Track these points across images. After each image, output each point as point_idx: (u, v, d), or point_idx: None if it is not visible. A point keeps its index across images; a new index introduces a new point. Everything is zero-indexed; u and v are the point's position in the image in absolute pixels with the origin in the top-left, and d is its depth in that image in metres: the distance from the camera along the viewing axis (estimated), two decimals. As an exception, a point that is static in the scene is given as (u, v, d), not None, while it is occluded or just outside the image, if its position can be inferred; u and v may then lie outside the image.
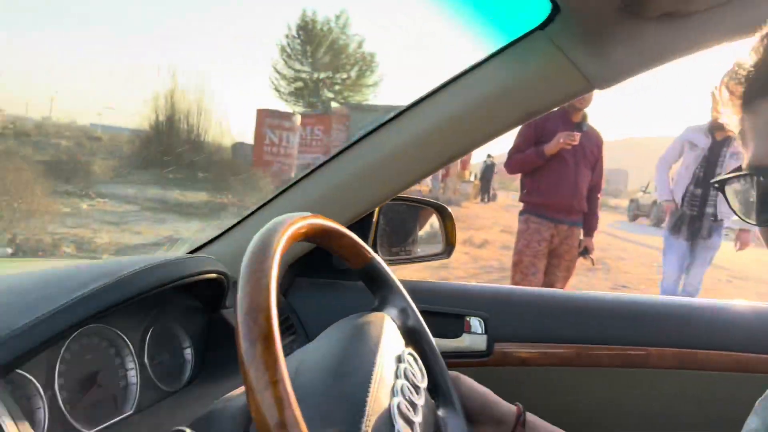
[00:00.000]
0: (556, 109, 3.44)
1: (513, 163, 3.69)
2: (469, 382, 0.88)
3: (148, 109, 15.05)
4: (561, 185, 3.59)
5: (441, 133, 0.97)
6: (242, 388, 0.74)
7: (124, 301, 0.73)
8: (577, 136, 3.46)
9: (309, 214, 0.71)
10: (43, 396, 0.71)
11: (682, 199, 4.34)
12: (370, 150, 1.02)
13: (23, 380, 0.69)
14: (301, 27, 31.15)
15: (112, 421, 0.81)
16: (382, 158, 1.01)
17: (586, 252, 3.75)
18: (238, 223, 1.12)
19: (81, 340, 0.79)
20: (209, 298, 0.98)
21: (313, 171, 1.06)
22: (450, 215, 1.42)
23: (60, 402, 0.73)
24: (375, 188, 1.02)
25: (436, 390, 0.86)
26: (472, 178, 31.86)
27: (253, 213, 1.11)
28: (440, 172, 24.47)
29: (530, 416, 0.87)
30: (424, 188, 23.84)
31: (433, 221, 1.50)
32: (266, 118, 15.92)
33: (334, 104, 24.13)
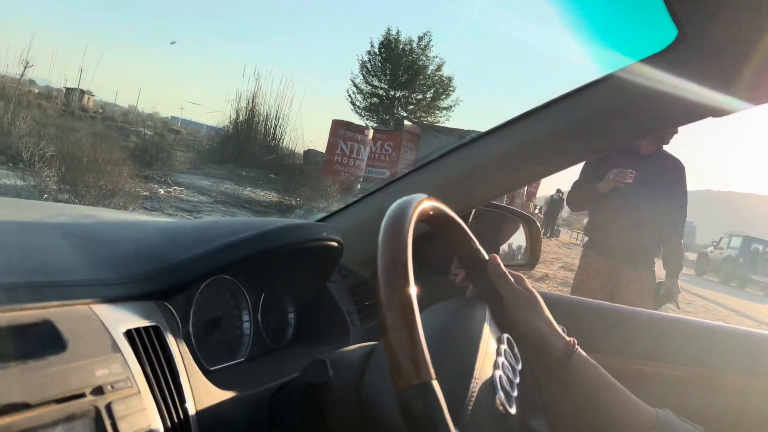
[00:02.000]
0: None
1: (573, 198, 3.43)
2: (524, 308, 0.90)
3: (230, 109, 15.64)
4: (619, 222, 3.25)
5: (553, 142, 1.03)
6: (353, 346, 0.82)
7: (267, 252, 0.82)
8: (631, 173, 3.09)
9: (435, 198, 0.78)
10: (181, 330, 0.80)
11: None
12: (482, 152, 1.08)
13: (169, 312, 0.78)
14: (383, 44, 31.70)
15: (227, 364, 0.89)
16: (493, 161, 1.07)
17: (669, 295, 3.27)
18: (356, 202, 1.21)
19: (212, 288, 0.89)
20: (319, 269, 1.06)
21: (429, 163, 1.13)
22: (538, 229, 1.47)
23: (192, 337, 0.83)
24: (482, 188, 1.08)
25: (521, 383, 0.91)
26: (536, 211, 31.31)
27: (368, 195, 1.20)
28: (504, 201, 24.15)
29: (578, 356, 0.89)
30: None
31: (517, 234, 1.55)
32: (340, 129, 16.24)
33: (406, 123, 24.36)
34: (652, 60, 0.96)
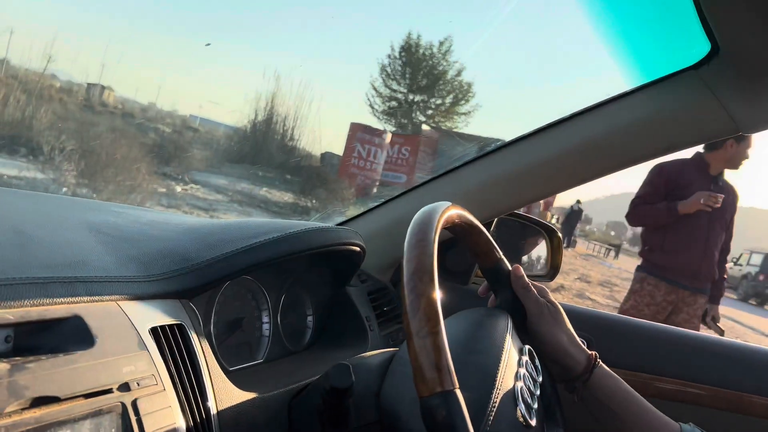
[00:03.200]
0: (692, 156, 3.08)
1: (638, 214, 3.22)
2: (548, 320, 0.89)
3: (249, 108, 15.77)
4: (691, 246, 3.12)
5: (578, 154, 1.02)
6: (373, 352, 0.82)
7: (293, 254, 0.82)
8: (721, 198, 3.00)
9: (461, 207, 0.78)
10: (202, 329, 0.81)
11: None
12: (505, 161, 1.08)
13: (193, 311, 0.79)
14: (404, 48, 31.75)
15: (247, 365, 0.90)
16: (517, 170, 1.07)
17: (714, 321, 3.29)
18: (376, 207, 1.21)
19: (233, 288, 0.89)
20: (339, 273, 1.06)
21: (451, 170, 1.13)
22: (559, 239, 1.46)
23: (212, 336, 0.83)
24: (506, 197, 1.08)
25: (542, 395, 0.90)
26: (553, 221, 31.20)
27: (389, 201, 1.20)
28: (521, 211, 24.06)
29: (600, 369, 0.88)
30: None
31: (538, 245, 1.54)
32: (358, 132, 16.28)
33: (424, 127, 24.36)
34: (684, 74, 0.95)
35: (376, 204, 1.27)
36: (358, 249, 0.98)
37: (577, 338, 0.91)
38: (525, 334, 0.90)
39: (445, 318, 0.86)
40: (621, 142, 1.00)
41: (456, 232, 0.84)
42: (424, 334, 0.56)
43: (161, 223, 0.88)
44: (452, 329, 0.80)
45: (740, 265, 23.71)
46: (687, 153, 3.24)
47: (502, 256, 0.92)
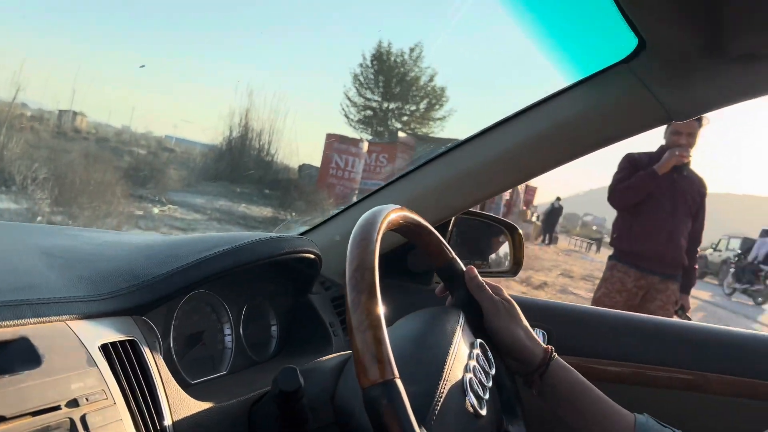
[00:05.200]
0: (658, 149, 3.21)
1: (620, 190, 3.34)
2: (503, 317, 0.92)
3: (223, 125, 15.72)
4: (655, 231, 3.27)
5: (523, 151, 1.06)
6: (330, 356, 0.84)
7: (242, 266, 0.84)
8: (691, 152, 3.19)
9: (407, 208, 0.81)
10: (161, 343, 0.82)
11: None
12: (456, 162, 1.11)
13: (149, 326, 0.80)
14: (375, 57, 31.89)
15: (210, 377, 0.91)
16: (467, 170, 1.10)
17: (682, 310, 3.39)
18: (338, 214, 1.23)
19: (192, 303, 0.91)
20: (300, 281, 1.08)
21: (404, 175, 1.16)
22: (520, 235, 1.49)
23: (172, 351, 0.85)
24: (458, 197, 1.11)
25: (501, 387, 0.93)
26: (534, 219, 31.44)
27: (348, 208, 1.22)
28: (501, 211, 24.37)
29: (556, 363, 0.90)
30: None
31: (500, 241, 1.57)
32: (335, 143, 16.30)
33: (401, 134, 24.45)
34: (617, 68, 0.99)
35: (337, 211, 1.30)
36: (312, 256, 1.00)
37: (533, 333, 0.94)
38: (482, 331, 0.93)
39: (401, 317, 0.89)
40: (563, 137, 1.04)
41: (405, 233, 0.86)
42: (365, 328, 0.59)
43: (115, 243, 0.89)
44: (405, 327, 0.83)
45: (719, 250, 24.08)
46: (653, 146, 3.38)
47: (455, 256, 0.95)
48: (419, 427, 0.60)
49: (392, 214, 0.74)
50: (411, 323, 0.83)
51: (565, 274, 13.74)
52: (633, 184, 3.28)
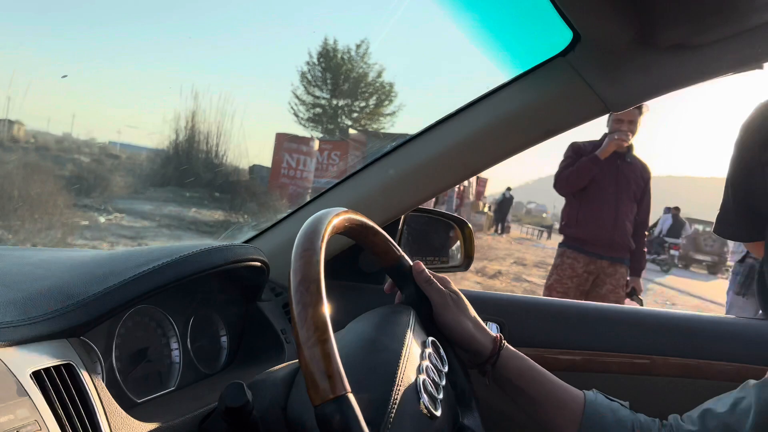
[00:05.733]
0: (601, 137, 3.36)
1: (564, 177, 3.45)
2: (452, 310, 0.92)
3: (169, 129, 15.34)
4: (600, 217, 3.38)
5: (468, 146, 1.06)
6: (280, 366, 0.82)
7: (183, 278, 0.81)
8: (630, 135, 3.30)
9: (350, 210, 0.79)
10: (103, 363, 0.79)
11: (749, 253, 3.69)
12: (401, 160, 1.11)
13: (88, 347, 0.77)
14: (322, 54, 31.69)
15: (157, 394, 0.88)
16: (412, 168, 1.09)
17: (634, 293, 3.50)
18: (285, 218, 1.21)
19: (134, 318, 0.87)
20: (248, 289, 1.06)
21: (351, 176, 1.15)
22: (470, 230, 1.49)
23: (116, 370, 0.81)
24: (406, 195, 1.11)
25: (456, 382, 0.93)
26: (486, 209, 31.90)
27: (297, 211, 1.20)
28: (454, 203, 24.66)
29: (506, 351, 0.92)
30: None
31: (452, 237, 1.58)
32: (285, 142, 16.14)
33: (352, 131, 24.41)
34: (555, 61, 1.01)
35: (285, 215, 1.27)
36: (258, 264, 0.98)
37: (482, 323, 0.95)
38: (432, 325, 0.93)
39: (352, 320, 0.88)
40: (506, 131, 1.05)
41: (352, 235, 0.85)
42: (313, 344, 0.57)
43: (48, 261, 0.85)
44: (355, 331, 0.82)
45: (687, 233, 24.97)
46: (597, 135, 3.47)
47: (402, 254, 0.94)
48: None
49: (335, 219, 0.73)
50: (361, 326, 0.82)
51: (519, 262, 14.00)
52: (576, 169, 3.38)
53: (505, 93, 1.04)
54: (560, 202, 3.66)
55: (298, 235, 0.67)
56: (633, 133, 3.36)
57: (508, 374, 0.92)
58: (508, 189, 28.91)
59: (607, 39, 0.92)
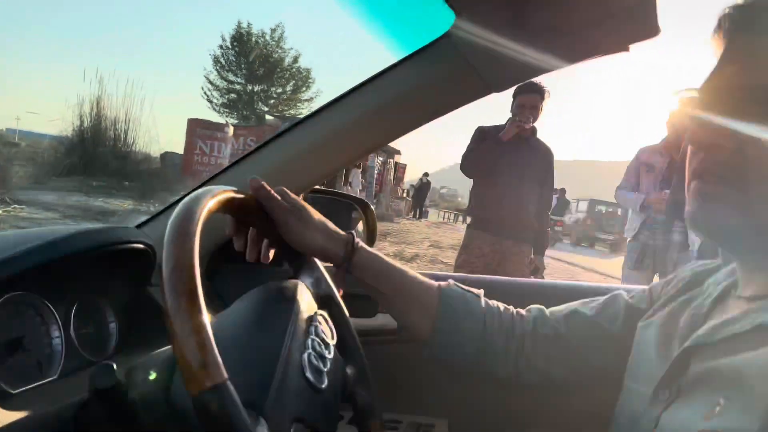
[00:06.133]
0: (506, 122, 3.52)
1: (469, 159, 3.58)
2: (296, 225, 0.89)
3: (72, 115, 14.45)
4: (503, 199, 3.51)
5: (359, 126, 1.07)
6: (164, 348, 0.81)
7: (48, 263, 0.77)
8: (530, 119, 3.44)
9: (231, 188, 0.79)
10: None
11: (642, 228, 3.90)
12: (292, 142, 1.11)
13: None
14: (235, 38, 30.83)
15: (35, 384, 0.84)
16: (305, 150, 1.10)
17: (536, 271, 3.67)
18: (178, 201, 1.18)
19: (8, 307, 0.83)
20: (137, 274, 1.03)
21: (241, 159, 1.14)
22: (372, 211, 1.52)
23: None
24: (300, 175, 1.11)
25: (345, 349, 0.95)
26: (405, 195, 32.30)
27: (193, 191, 1.18)
28: (373, 188, 24.82)
29: (359, 254, 0.93)
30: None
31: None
32: (197, 128, 15.68)
33: (268, 117, 23.95)
34: (439, 42, 1.03)
35: (177, 198, 1.24)
36: (142, 247, 0.96)
37: (333, 229, 0.93)
38: (322, 300, 0.94)
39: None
40: (396, 111, 1.07)
41: (234, 213, 0.84)
42: (187, 334, 0.56)
43: None
44: (238, 310, 0.81)
45: (571, 212, 26.26)
46: (503, 119, 3.61)
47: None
48: (256, 418, 0.60)
49: (214, 198, 0.71)
50: (245, 305, 0.81)
51: (435, 245, 14.31)
52: (480, 151, 3.53)
53: (394, 74, 1.06)
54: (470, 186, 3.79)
55: (171, 219, 0.65)
56: (535, 117, 3.50)
57: (364, 275, 0.94)
58: (426, 175, 29.42)
59: (487, 20, 0.95)
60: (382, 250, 11.58)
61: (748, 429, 0.58)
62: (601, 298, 0.97)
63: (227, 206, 0.78)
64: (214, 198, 0.72)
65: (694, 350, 0.71)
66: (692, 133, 0.68)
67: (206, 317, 0.58)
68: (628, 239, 4.13)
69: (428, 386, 1.28)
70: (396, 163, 32.01)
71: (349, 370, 0.93)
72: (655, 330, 0.83)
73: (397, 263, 0.97)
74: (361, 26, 1.04)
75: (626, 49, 1.00)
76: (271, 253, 0.94)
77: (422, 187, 28.94)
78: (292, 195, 0.91)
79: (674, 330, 0.79)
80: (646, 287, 0.96)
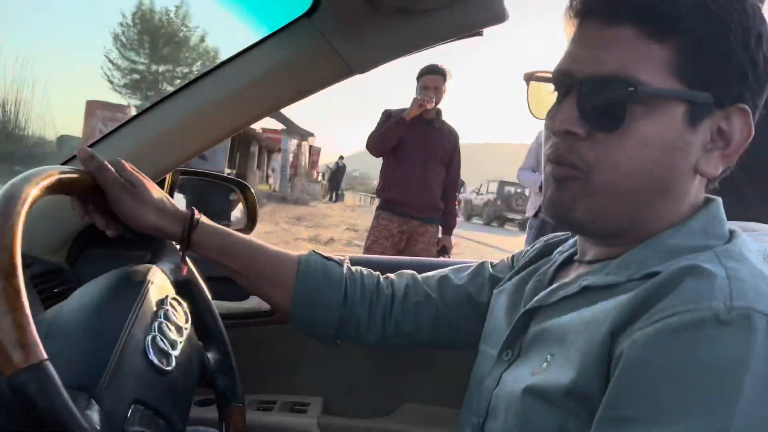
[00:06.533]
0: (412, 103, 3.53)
1: (373, 137, 3.63)
2: (127, 200, 0.84)
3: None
4: (409, 180, 3.59)
5: (219, 108, 1.05)
6: None
7: None
8: (431, 97, 3.51)
9: (64, 167, 0.76)
10: None
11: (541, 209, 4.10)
12: (153, 121, 1.08)
13: None
14: (137, 15, 29.33)
15: None
16: (167, 129, 1.07)
17: (444, 250, 3.77)
18: None
19: None
20: None
21: (101, 139, 1.10)
22: (252, 193, 1.50)
23: None
24: (160, 156, 1.08)
25: (207, 335, 0.94)
26: (320, 179, 32.15)
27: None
28: (288, 172, 24.50)
29: (200, 230, 0.89)
30: (265, 188, 23.65)
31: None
32: (97, 110, 14.90)
33: (174, 99, 22.98)
34: (300, 22, 1.03)
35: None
36: None
37: (172, 205, 0.89)
38: (181, 286, 0.93)
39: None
40: (258, 91, 1.06)
41: (71, 192, 0.81)
42: (2, 314, 0.55)
43: None
44: (80, 296, 0.79)
45: (482, 194, 27.10)
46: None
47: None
48: (88, 400, 0.60)
49: (39, 180, 0.69)
50: (92, 289, 0.79)
51: (351, 228, 14.36)
52: (384, 130, 3.58)
53: (255, 53, 1.05)
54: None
55: None
56: (438, 98, 3.59)
57: (207, 252, 0.91)
58: (341, 158, 29.39)
59: (345, 2, 0.96)
60: (297, 234, 11.51)
61: (564, 380, 0.63)
62: (471, 267, 1.00)
63: (59, 186, 0.75)
64: (40, 178, 0.69)
65: (533, 312, 0.76)
66: (546, 118, 0.69)
67: (24, 297, 0.56)
68: (529, 218, 4.31)
69: (303, 365, 1.29)
70: (311, 146, 31.76)
71: (210, 355, 0.93)
72: (505, 296, 0.87)
73: (249, 239, 0.95)
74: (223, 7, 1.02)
75: (480, 33, 1.04)
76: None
77: (338, 171, 28.91)
78: (131, 169, 0.87)
79: (521, 296, 0.83)
80: (508, 256, 0.99)
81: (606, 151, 0.65)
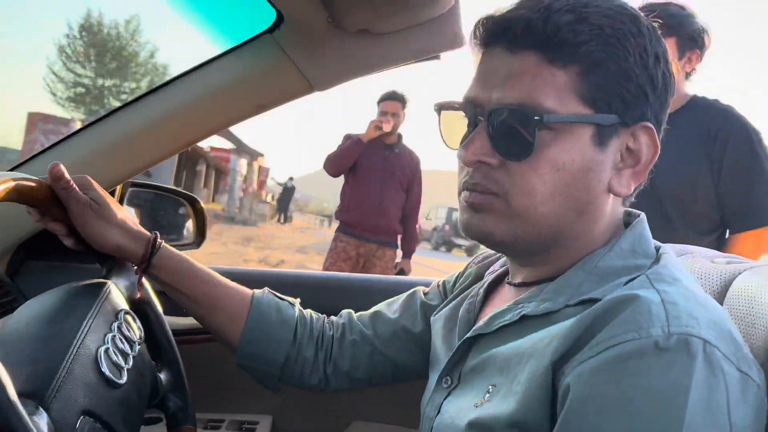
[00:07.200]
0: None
1: (330, 159, 3.66)
2: (92, 219, 0.83)
3: None
4: (366, 203, 3.64)
5: (175, 120, 1.04)
6: None
7: None
8: (389, 119, 3.58)
9: (21, 175, 0.74)
10: None
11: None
12: (107, 131, 1.06)
13: None
14: (84, 28, 28.62)
15: None
16: (120, 140, 1.05)
17: (402, 273, 3.77)
18: None
19: None
20: None
21: (52, 146, 1.07)
22: (201, 207, 1.48)
23: None
24: (111, 168, 1.06)
25: (160, 354, 0.92)
26: (268, 199, 31.82)
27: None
28: (237, 193, 24.18)
29: (160, 255, 0.88)
30: (217, 207, 23.25)
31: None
32: (39, 123, 14.41)
33: (121, 114, 22.43)
34: (261, 38, 1.04)
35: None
36: None
37: (135, 227, 0.88)
38: (136, 304, 0.90)
39: None
40: (217, 104, 1.06)
41: (26, 202, 0.79)
42: None
43: None
44: (37, 305, 0.76)
45: (430, 219, 27.45)
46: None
47: None
48: (36, 407, 0.58)
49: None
50: (44, 300, 0.77)
51: (301, 250, 14.25)
52: (341, 151, 3.64)
53: (215, 67, 1.05)
54: (330, 192, 3.83)
55: None
56: (396, 123, 3.66)
57: (164, 276, 0.89)
58: (290, 179, 29.24)
59: (307, 19, 0.97)
60: (246, 256, 11.32)
61: (507, 411, 0.63)
62: (402, 297, 1.00)
63: (14, 195, 0.73)
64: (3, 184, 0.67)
65: (473, 341, 0.76)
66: (459, 149, 0.70)
67: None
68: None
69: (252, 383, 1.27)
70: (260, 167, 31.48)
71: (163, 375, 0.91)
72: (441, 322, 0.88)
73: (207, 269, 0.94)
74: (187, 21, 1.02)
75: (437, 57, 1.07)
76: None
77: (286, 191, 28.70)
78: (97, 187, 0.86)
79: (455, 320, 0.84)
80: (439, 281, 1.00)
81: (521, 177, 0.66)
